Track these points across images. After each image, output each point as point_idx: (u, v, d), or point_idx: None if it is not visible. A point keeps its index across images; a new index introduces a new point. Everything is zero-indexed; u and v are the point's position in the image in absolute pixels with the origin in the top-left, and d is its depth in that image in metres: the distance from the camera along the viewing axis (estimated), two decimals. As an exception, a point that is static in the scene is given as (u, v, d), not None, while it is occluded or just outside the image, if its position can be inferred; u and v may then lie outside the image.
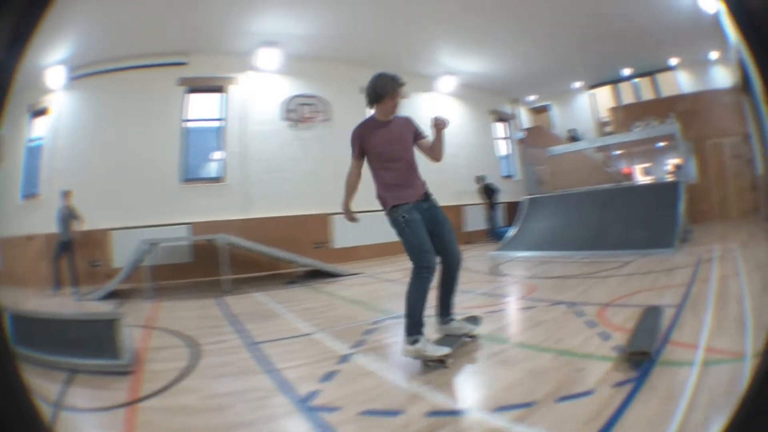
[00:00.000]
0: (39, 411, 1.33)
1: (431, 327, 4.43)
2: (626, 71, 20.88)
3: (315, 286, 9.81)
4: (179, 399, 3.65)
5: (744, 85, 13.02)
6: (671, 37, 16.00)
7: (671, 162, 18.47)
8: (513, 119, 22.25)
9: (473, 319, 4.79)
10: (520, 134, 20.28)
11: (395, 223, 4.27)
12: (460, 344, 4.39)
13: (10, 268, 10.96)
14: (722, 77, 17.89)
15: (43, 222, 10.77)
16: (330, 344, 4.92)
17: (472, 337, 4.59)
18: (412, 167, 4.37)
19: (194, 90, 13.14)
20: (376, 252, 14.16)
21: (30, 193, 11.79)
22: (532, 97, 23.75)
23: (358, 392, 3.50)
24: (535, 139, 19.90)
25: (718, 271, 7.11)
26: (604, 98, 22.58)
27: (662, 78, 20.50)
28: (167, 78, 12.67)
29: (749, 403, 1.26)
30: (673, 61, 19.48)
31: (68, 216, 10.52)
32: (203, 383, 3.99)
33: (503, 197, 18.23)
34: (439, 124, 4.22)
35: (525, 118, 23.82)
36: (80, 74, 11.69)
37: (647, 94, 20.94)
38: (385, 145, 4.29)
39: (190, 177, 13.01)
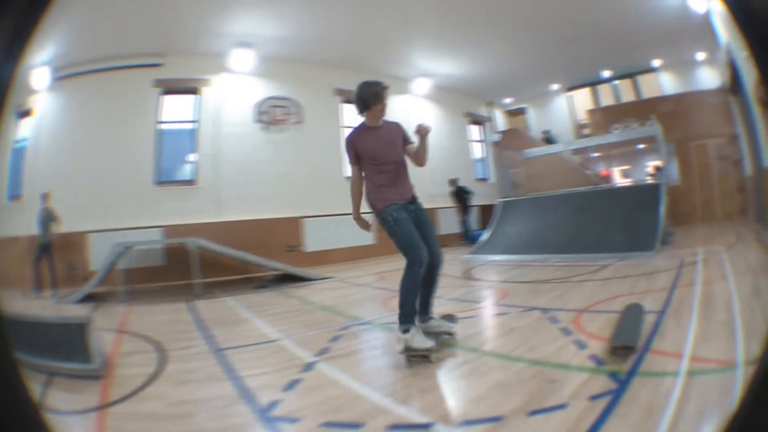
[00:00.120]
0: (42, 417, 1.36)
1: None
2: (606, 73, 21.00)
3: (285, 290, 9.84)
4: (146, 405, 3.65)
5: (733, 86, 13.09)
6: (655, 39, 16.14)
7: (651, 164, 18.55)
8: (488, 122, 22.33)
9: (450, 317, 5.00)
10: (496, 137, 20.26)
11: (385, 222, 4.54)
12: (440, 342, 4.56)
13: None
14: (708, 78, 18.11)
15: (27, 223, 10.87)
16: (295, 351, 4.86)
17: (450, 334, 4.77)
18: (403, 170, 4.69)
19: (169, 92, 13.32)
20: (348, 255, 14.58)
21: (15, 195, 11.87)
22: (507, 100, 24.02)
23: (320, 402, 3.43)
24: (510, 142, 19.86)
25: (702, 275, 6.97)
26: (582, 100, 22.76)
27: (643, 80, 20.75)
28: (143, 79, 12.83)
29: (746, 411, 1.22)
30: (656, 63, 19.65)
31: (48, 218, 10.77)
32: (169, 390, 3.96)
33: (477, 200, 18.28)
34: (422, 131, 4.49)
35: (501, 121, 23.93)
36: (62, 75, 11.80)
37: (627, 96, 21.07)
38: (378, 150, 4.55)
39: (164, 179, 13.18)
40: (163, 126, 13.30)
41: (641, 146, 18.78)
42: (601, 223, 11.70)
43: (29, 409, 1.30)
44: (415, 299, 4.43)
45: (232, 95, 14.15)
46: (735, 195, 16.27)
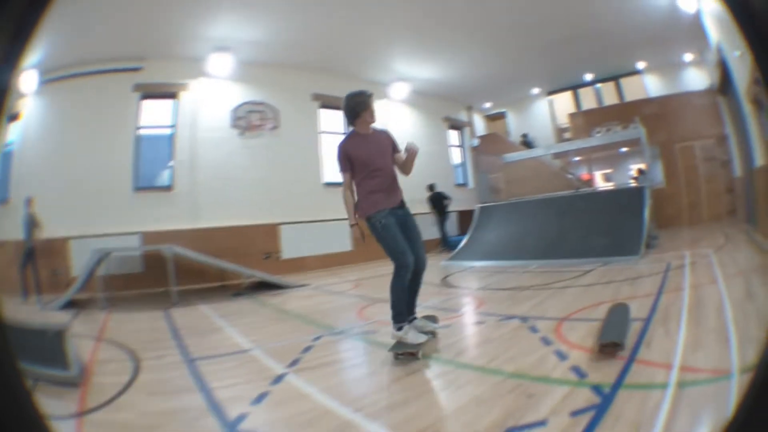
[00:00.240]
0: (50, 428, 1.37)
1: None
2: (588, 76, 21.10)
3: (260, 298, 9.86)
4: (120, 415, 3.65)
5: (722, 86, 13.14)
6: (641, 40, 16.30)
7: (634, 167, 18.59)
8: (467, 126, 22.37)
9: (432, 318, 5.34)
10: (475, 142, 20.21)
11: (373, 228, 4.83)
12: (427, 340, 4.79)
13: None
14: (695, 79, 18.25)
15: (13, 228, 10.94)
16: (266, 362, 4.82)
17: (434, 334, 5.06)
18: (393, 176, 4.96)
19: (148, 96, 13.39)
20: (325, 262, 14.68)
21: (3, 199, 11.91)
22: (487, 104, 24.19)
23: (288, 417, 3.38)
24: (489, 146, 19.86)
25: (690, 279, 6.85)
26: (563, 104, 22.85)
27: (627, 82, 20.88)
28: (123, 84, 12.86)
29: (743, 417, 1.21)
30: (641, 65, 19.76)
31: (31, 223, 10.80)
32: (141, 399, 3.98)
33: (457, 206, 18.26)
34: (411, 151, 4.88)
35: (481, 126, 23.99)
36: (49, 79, 11.83)
37: (610, 99, 21.17)
38: (369, 155, 4.83)
39: (142, 185, 13.20)
40: (142, 131, 13.37)
41: (624, 149, 18.83)
42: (583, 227, 11.65)
43: (36, 419, 1.32)
44: (405, 299, 4.75)
45: (209, 100, 14.15)
46: (723, 196, 16.37)
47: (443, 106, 20.92)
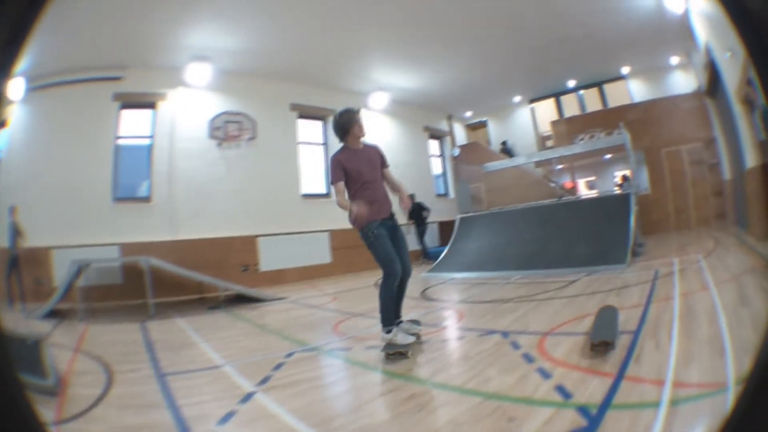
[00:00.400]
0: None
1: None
2: (571, 83, 21.18)
3: (236, 312, 9.89)
4: (93, 427, 3.70)
5: (711, 87, 13.21)
6: (626, 44, 16.43)
7: (618, 174, 18.60)
8: (448, 136, 22.44)
9: (415, 321, 5.55)
10: (456, 151, 20.16)
11: (365, 237, 5.19)
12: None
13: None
14: (681, 82, 18.45)
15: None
16: (236, 379, 4.75)
17: (418, 336, 5.43)
18: (383, 188, 5.38)
19: (128, 106, 13.50)
20: (304, 275, 14.85)
21: None
22: (468, 113, 24.29)
23: None
24: (470, 156, 19.79)
25: (680, 287, 6.72)
26: (546, 112, 22.93)
27: (611, 88, 21.00)
28: (103, 93, 12.96)
29: (737, 422, 1.23)
30: (625, 70, 19.91)
31: (15, 232, 10.87)
32: (112, 413, 3.99)
33: (438, 217, 18.33)
34: (403, 205, 5.35)
35: (462, 135, 24.06)
36: (34, 86, 11.88)
37: (594, 106, 21.27)
38: (362, 168, 5.20)
39: (121, 196, 13.33)
40: (122, 141, 13.46)
41: (608, 156, 18.88)
42: (566, 236, 11.61)
43: (37, 428, 1.35)
44: (393, 305, 5.20)
45: (187, 110, 14.17)
46: (711, 200, 16.50)
47: (423, 116, 21.03)
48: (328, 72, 15.86)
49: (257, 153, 15.15)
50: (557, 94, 22.46)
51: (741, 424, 1.20)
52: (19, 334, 5.63)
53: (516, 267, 11.11)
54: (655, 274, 7.99)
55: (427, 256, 16.52)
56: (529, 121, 23.45)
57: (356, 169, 5.13)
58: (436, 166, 22.15)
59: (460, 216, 15.01)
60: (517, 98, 23.11)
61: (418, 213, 16.69)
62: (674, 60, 18.53)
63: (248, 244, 14.56)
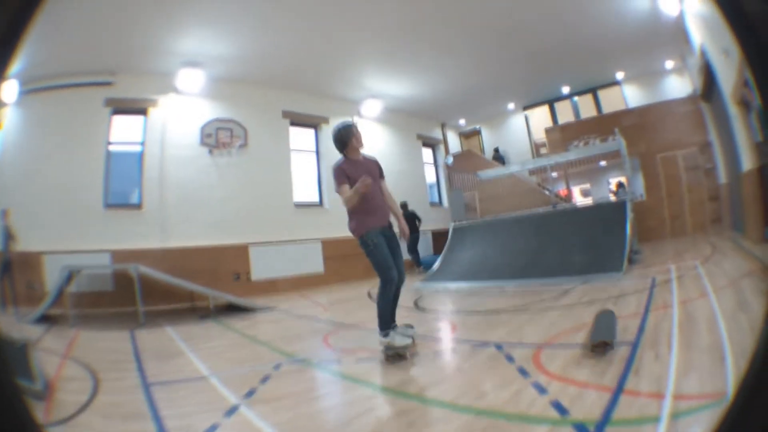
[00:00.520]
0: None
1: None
2: (565, 89, 21.22)
3: (226, 322, 9.81)
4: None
5: (706, 91, 13.27)
6: (621, 49, 16.51)
7: (613, 181, 18.58)
8: (441, 144, 22.48)
9: (409, 326, 5.87)
10: (450, 159, 20.08)
11: (364, 245, 5.43)
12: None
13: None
14: (676, 87, 18.55)
15: None
16: (222, 391, 4.66)
17: (412, 338, 5.53)
18: (381, 199, 5.67)
19: (119, 111, 13.51)
20: (296, 284, 14.77)
21: None
22: (461, 121, 24.32)
23: None
24: (463, 164, 19.78)
25: (679, 294, 6.62)
26: (540, 119, 22.97)
27: (605, 94, 21.02)
28: (95, 98, 12.97)
29: (737, 412, 1.23)
30: (619, 75, 20.00)
31: (7, 235, 10.99)
32: (96, 421, 3.98)
33: (432, 225, 18.62)
34: (404, 237, 5.83)
35: (455, 143, 24.09)
36: (28, 90, 11.97)
37: (588, 112, 21.31)
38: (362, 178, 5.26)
39: (112, 202, 13.26)
40: (113, 147, 13.43)
41: (603, 163, 18.85)
42: (562, 244, 11.55)
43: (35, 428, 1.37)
44: (389, 310, 5.40)
45: (178, 117, 14.17)
46: (707, 205, 16.53)
47: (416, 124, 21.11)
48: (320, 79, 15.88)
49: (249, 160, 15.14)
50: (551, 101, 22.52)
51: (736, 425, 1.22)
52: (7, 337, 5.61)
53: (510, 276, 11.01)
54: (652, 282, 7.91)
55: (419, 265, 16.51)
56: (523, 128, 23.51)
57: (357, 177, 5.21)
58: (430, 175, 22.15)
59: (453, 225, 14.95)
60: (511, 105, 23.19)
61: (410, 222, 16.60)
62: (669, 64, 18.63)
63: (240, 252, 14.52)
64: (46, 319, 9.64)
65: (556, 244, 11.63)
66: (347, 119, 5.89)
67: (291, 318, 9.85)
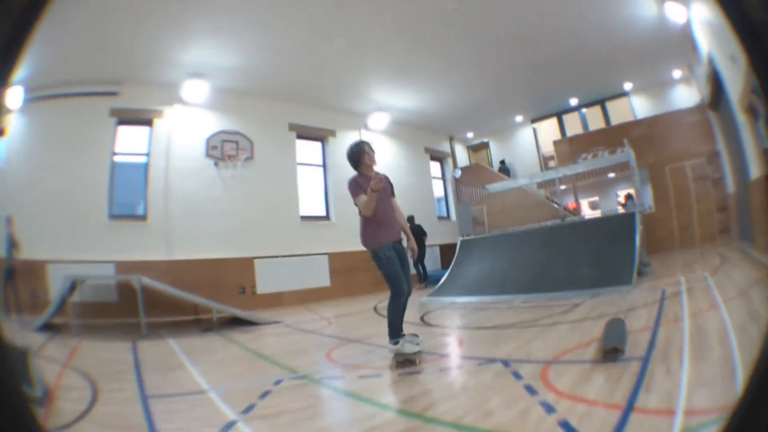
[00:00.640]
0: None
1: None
2: (573, 101, 21.17)
3: (229, 335, 9.80)
4: None
5: (714, 100, 13.19)
6: (628, 59, 16.47)
7: (622, 193, 18.48)
8: (449, 157, 22.47)
9: (415, 335, 5.87)
10: (458, 173, 20.03)
11: (377, 258, 5.75)
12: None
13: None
14: (684, 97, 18.51)
15: None
16: (220, 406, 4.60)
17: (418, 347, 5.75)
18: (393, 214, 5.98)
19: (124, 122, 13.48)
20: (301, 298, 14.78)
21: None
22: (469, 134, 24.30)
23: None
24: (471, 177, 19.72)
25: (689, 307, 6.52)
26: (548, 131, 22.90)
27: (613, 105, 20.93)
28: (101, 108, 12.95)
29: (743, 413, 1.22)
30: (627, 86, 19.94)
31: (11, 243, 10.84)
32: (93, 430, 4.03)
33: (439, 239, 18.64)
34: (413, 255, 6.16)
35: (463, 156, 24.05)
36: (33, 97, 11.87)
37: (596, 124, 21.23)
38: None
39: (117, 213, 13.25)
40: (118, 158, 13.40)
41: (612, 175, 18.72)
42: (570, 258, 11.48)
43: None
44: (399, 319, 5.73)
45: (184, 128, 14.15)
46: (715, 215, 16.48)
47: (424, 137, 21.11)
48: (327, 92, 15.94)
49: (255, 173, 15.12)
50: (559, 113, 22.47)
51: (743, 425, 1.20)
52: (11, 344, 5.62)
53: (518, 290, 10.91)
54: (662, 294, 7.81)
55: (425, 279, 16.45)
56: (532, 141, 23.47)
57: None
58: (438, 188, 22.08)
59: (461, 239, 14.90)
60: (519, 118, 23.15)
61: (417, 236, 16.54)
62: (677, 73, 18.58)
63: (245, 265, 14.47)
64: (49, 328, 9.70)
65: (565, 258, 11.56)
66: (359, 139, 6.32)
67: (295, 332, 9.84)
